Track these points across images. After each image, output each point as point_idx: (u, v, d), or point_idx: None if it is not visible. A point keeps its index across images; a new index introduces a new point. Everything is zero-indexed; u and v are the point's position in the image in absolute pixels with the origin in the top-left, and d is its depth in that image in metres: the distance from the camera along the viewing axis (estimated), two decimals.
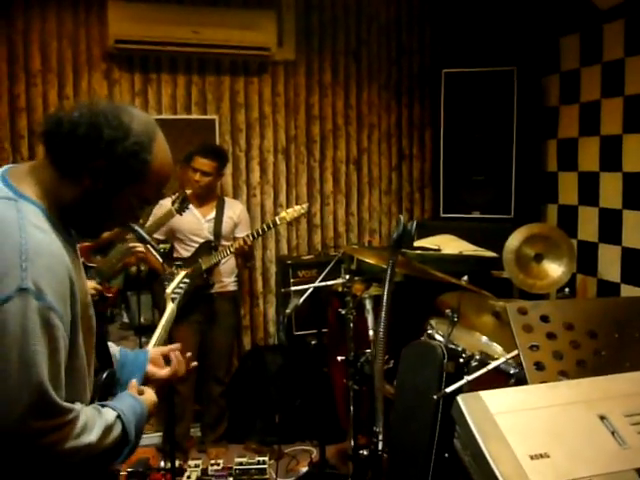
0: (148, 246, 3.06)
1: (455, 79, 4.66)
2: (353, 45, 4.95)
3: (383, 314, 1.74)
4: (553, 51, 4.57)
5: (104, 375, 1.65)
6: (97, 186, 1.44)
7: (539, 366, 1.65)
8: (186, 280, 2.26)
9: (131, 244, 3.40)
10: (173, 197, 3.72)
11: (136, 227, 2.39)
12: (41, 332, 1.27)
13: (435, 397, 2.01)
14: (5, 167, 1.48)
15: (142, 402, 1.59)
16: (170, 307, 2.13)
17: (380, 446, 1.80)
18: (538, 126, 4.69)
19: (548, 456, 1.15)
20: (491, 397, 1.25)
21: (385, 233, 5.12)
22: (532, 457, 1.14)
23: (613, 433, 1.22)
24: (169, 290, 2.19)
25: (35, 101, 4.29)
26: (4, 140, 4.25)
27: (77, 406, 1.37)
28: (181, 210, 3.67)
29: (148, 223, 3.76)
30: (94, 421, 1.39)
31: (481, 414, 1.21)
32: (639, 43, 3.83)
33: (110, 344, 1.77)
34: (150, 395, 1.65)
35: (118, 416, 1.46)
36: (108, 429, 1.42)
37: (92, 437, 1.37)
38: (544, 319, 1.73)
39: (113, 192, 1.46)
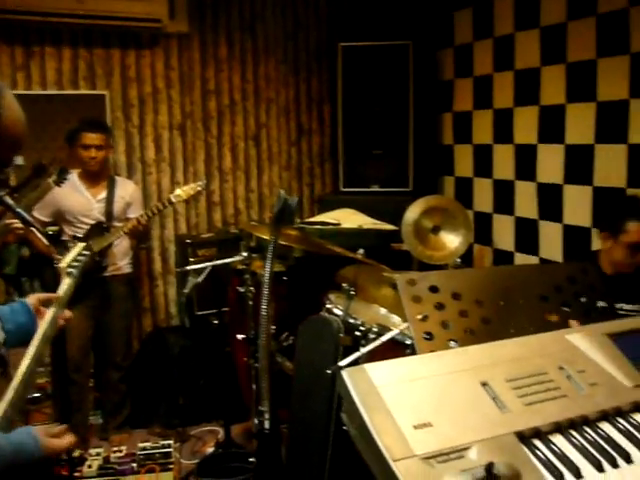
0: (32, 228, 2.86)
1: (352, 53, 4.66)
2: (248, 19, 4.84)
3: (265, 291, 1.70)
4: (447, 25, 4.64)
5: None
6: None
7: (428, 336, 1.65)
8: (86, 252, 2.05)
9: (7, 221, 3.17)
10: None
11: (17, 208, 2.23)
12: None
13: (329, 371, 2.00)
14: None
15: (36, 441, 1.39)
16: (66, 282, 1.90)
17: (267, 425, 1.77)
18: (434, 100, 4.76)
19: (431, 425, 1.15)
20: (375, 370, 1.24)
21: None
22: (415, 427, 1.14)
23: (494, 399, 1.23)
24: (64, 264, 1.93)
25: None
26: None
27: None
28: (59, 182, 3.49)
29: (26, 198, 3.53)
30: None
31: (365, 387, 1.20)
32: (528, 18, 3.93)
33: None
34: (55, 443, 1.45)
35: None
36: None
37: None
38: (433, 289, 1.73)
39: None
